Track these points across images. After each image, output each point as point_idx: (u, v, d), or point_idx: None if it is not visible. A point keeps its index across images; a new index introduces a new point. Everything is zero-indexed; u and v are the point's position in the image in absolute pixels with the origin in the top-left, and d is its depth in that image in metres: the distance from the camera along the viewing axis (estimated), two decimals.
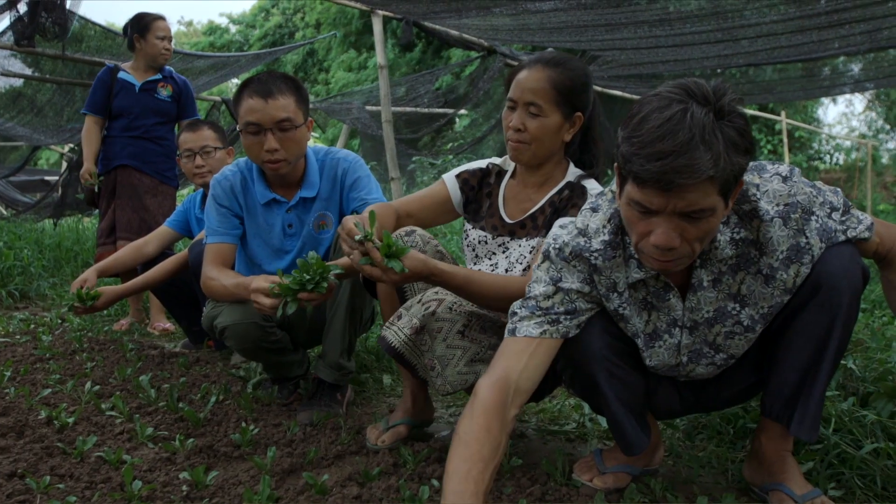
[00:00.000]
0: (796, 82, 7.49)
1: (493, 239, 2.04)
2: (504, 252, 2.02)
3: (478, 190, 2.12)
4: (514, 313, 1.62)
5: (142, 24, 4.09)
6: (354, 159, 2.53)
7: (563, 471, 1.86)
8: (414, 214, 2.10)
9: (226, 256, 2.43)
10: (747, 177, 1.48)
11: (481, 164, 2.14)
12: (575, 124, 1.96)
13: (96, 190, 4.21)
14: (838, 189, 1.56)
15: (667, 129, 1.26)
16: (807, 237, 1.48)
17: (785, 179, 1.49)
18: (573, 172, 2.00)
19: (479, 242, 2.07)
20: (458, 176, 2.13)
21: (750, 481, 1.75)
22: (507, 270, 1.98)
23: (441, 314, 1.91)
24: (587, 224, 1.60)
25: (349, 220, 1.73)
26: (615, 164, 1.43)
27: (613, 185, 1.55)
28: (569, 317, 1.61)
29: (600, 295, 1.62)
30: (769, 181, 1.49)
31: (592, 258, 1.57)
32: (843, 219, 1.53)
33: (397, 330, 1.95)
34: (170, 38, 4.13)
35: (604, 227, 1.58)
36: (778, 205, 1.47)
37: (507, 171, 2.11)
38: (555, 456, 1.93)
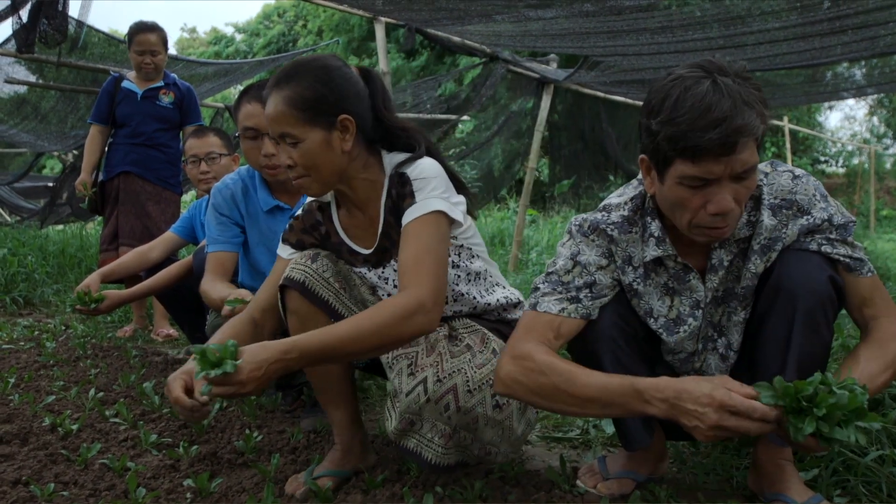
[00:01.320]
0: (798, 87, 7.49)
1: (370, 271, 1.83)
2: (387, 280, 1.83)
3: (314, 235, 1.89)
4: (537, 288, 1.66)
5: (128, 36, 4.13)
6: None
7: (567, 477, 1.86)
8: (271, 306, 1.83)
9: (226, 265, 2.45)
10: (761, 166, 1.57)
11: (298, 213, 1.92)
12: (347, 128, 1.69)
13: (86, 203, 4.23)
14: (854, 219, 1.58)
15: (710, 100, 1.35)
16: (788, 229, 1.54)
17: (795, 178, 1.55)
18: (389, 164, 1.76)
19: (361, 276, 1.84)
20: (285, 241, 1.91)
21: (754, 490, 1.75)
22: None
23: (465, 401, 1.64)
24: (610, 202, 1.68)
25: (175, 380, 1.52)
26: (641, 157, 1.51)
27: (640, 175, 1.62)
28: (589, 293, 1.63)
29: (617, 268, 1.65)
30: (779, 175, 1.57)
31: (609, 230, 1.63)
32: (835, 237, 1.54)
33: (431, 446, 1.67)
34: (153, 52, 4.08)
35: (625, 204, 1.65)
36: (776, 197, 1.55)
37: (329, 202, 1.88)
38: (559, 463, 1.93)
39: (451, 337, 1.75)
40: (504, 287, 1.96)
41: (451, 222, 1.69)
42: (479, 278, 1.86)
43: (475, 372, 1.64)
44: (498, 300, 1.89)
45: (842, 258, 1.53)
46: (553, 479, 1.83)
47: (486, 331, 1.79)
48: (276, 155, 2.29)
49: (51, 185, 13.42)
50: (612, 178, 8.83)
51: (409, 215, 1.66)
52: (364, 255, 1.82)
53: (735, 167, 1.38)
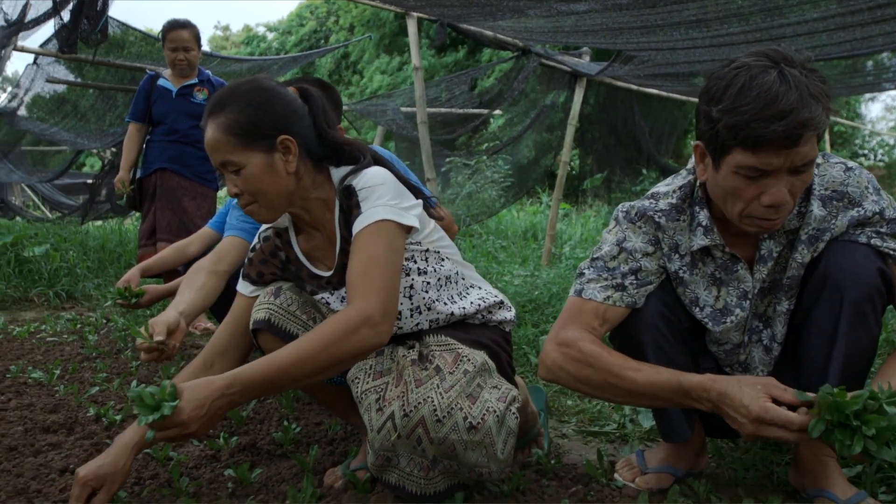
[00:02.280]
0: (839, 79, 7.34)
1: (332, 295, 1.77)
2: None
3: (274, 263, 1.84)
4: (582, 273, 1.66)
5: (162, 34, 4.19)
6: (389, 155, 2.54)
7: (605, 471, 1.85)
8: (227, 349, 1.81)
9: (232, 255, 2.47)
10: None
11: (254, 242, 1.87)
12: (289, 149, 1.65)
13: (123, 200, 4.31)
14: None
15: (776, 91, 1.33)
16: (837, 220, 1.52)
17: (847, 170, 1.53)
18: (337, 178, 1.72)
19: (325, 304, 1.78)
20: (245, 277, 1.85)
21: (796, 487, 1.72)
22: None
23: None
24: (658, 191, 1.67)
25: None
26: (696, 143, 1.50)
27: (690, 164, 1.60)
28: (634, 279, 1.62)
29: (664, 255, 1.64)
30: (832, 167, 1.55)
31: (656, 217, 1.62)
32: (886, 231, 1.51)
33: (412, 479, 1.59)
34: (186, 48, 4.11)
35: (673, 192, 1.64)
36: (827, 189, 1.53)
37: (286, 227, 1.83)
38: (596, 456, 1.92)
39: (421, 357, 1.64)
40: (480, 288, 1.84)
41: (405, 228, 1.62)
42: (451, 282, 1.76)
43: (442, 398, 1.52)
44: (473, 303, 1.77)
45: (892, 252, 1.50)
46: (590, 473, 1.83)
47: (462, 348, 1.66)
48: None
49: (90, 182, 13.70)
50: (644, 171, 8.73)
51: (356, 226, 1.60)
52: (325, 277, 1.76)
53: (795, 160, 1.37)
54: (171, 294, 3.25)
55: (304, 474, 1.82)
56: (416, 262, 1.69)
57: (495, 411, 1.55)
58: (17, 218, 10.06)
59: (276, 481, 1.81)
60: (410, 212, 1.64)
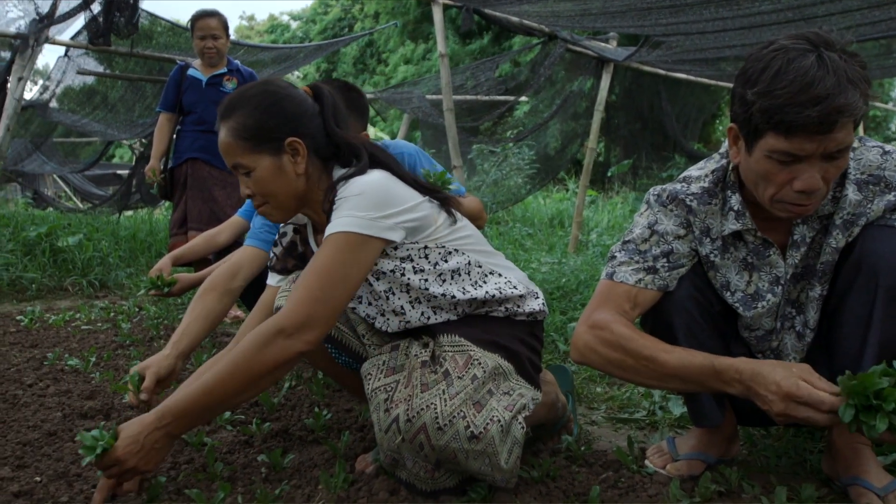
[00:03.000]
0: (872, 60, 7.18)
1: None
2: (360, 300, 1.76)
3: (293, 256, 1.87)
4: (613, 256, 1.66)
5: (190, 23, 4.23)
6: (415, 150, 2.54)
7: (636, 458, 1.85)
8: None
9: (252, 266, 2.43)
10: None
11: (277, 237, 1.92)
12: (297, 151, 1.67)
13: (154, 188, 4.36)
14: None
15: (813, 75, 1.31)
16: (873, 204, 1.49)
17: (884, 154, 1.51)
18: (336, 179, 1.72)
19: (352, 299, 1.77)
20: (271, 269, 1.91)
21: (829, 475, 1.71)
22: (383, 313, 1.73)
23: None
24: (690, 175, 1.66)
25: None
26: (730, 125, 1.49)
27: (723, 148, 1.58)
28: (666, 262, 1.62)
29: (695, 238, 1.63)
30: (868, 150, 1.52)
31: (688, 200, 1.61)
32: None
33: (419, 478, 1.62)
34: (214, 36, 4.15)
35: (705, 176, 1.63)
36: (863, 173, 1.51)
37: (304, 223, 1.86)
38: (626, 443, 1.92)
39: (433, 359, 1.63)
40: (500, 275, 1.76)
41: (377, 240, 1.57)
42: (460, 274, 1.70)
43: (446, 405, 1.51)
44: (488, 293, 1.70)
45: None
46: (621, 460, 1.83)
47: (474, 350, 1.63)
48: None
49: (119, 172, 13.89)
50: (674, 157, 8.63)
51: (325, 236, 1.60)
52: None
53: (829, 146, 1.35)
54: (202, 283, 3.31)
55: (335, 460, 1.84)
56: (412, 260, 1.66)
57: (500, 420, 1.53)
58: (50, 209, 10.24)
59: (308, 466, 1.84)
60: (393, 219, 1.59)
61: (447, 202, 1.75)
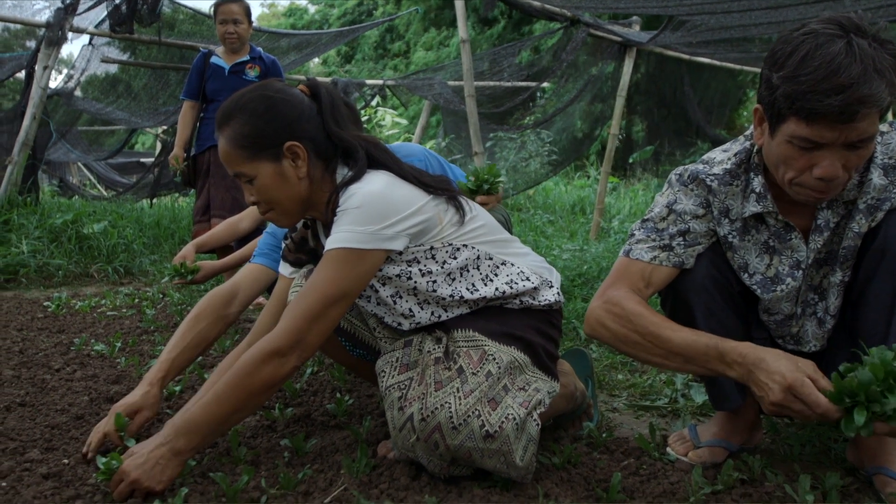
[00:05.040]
0: None
1: (364, 290, 1.73)
2: (368, 300, 1.75)
3: (305, 251, 1.87)
4: (632, 234, 1.67)
5: (213, 9, 4.25)
6: (423, 154, 2.49)
7: (657, 445, 1.84)
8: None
9: (251, 288, 2.36)
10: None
11: (289, 233, 1.92)
12: (297, 155, 1.64)
13: (177, 175, 4.39)
14: None
15: (839, 62, 1.29)
16: None
17: None
18: (338, 182, 1.69)
19: (361, 297, 1.74)
20: (285, 259, 1.92)
21: (853, 464, 1.69)
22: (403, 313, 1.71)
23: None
24: (713, 156, 1.65)
25: None
26: (755, 106, 1.48)
27: (749, 130, 1.58)
28: (682, 241, 1.62)
29: (714, 218, 1.62)
30: None
31: (708, 180, 1.61)
32: None
33: (436, 471, 1.62)
34: (235, 21, 4.16)
35: (728, 159, 1.62)
36: (890, 157, 1.49)
37: (312, 218, 1.85)
38: (647, 430, 1.91)
39: (446, 354, 1.62)
40: (512, 265, 1.73)
41: (377, 252, 1.56)
42: (468, 271, 1.68)
43: (460, 404, 1.50)
44: (498, 289, 1.68)
45: None
46: (642, 447, 1.82)
47: (489, 345, 1.62)
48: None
49: (143, 160, 14.03)
50: (699, 143, 8.54)
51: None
52: None
53: (850, 136, 1.33)
54: (225, 270, 3.34)
55: (357, 445, 1.85)
56: (419, 262, 1.64)
57: (515, 418, 1.52)
58: (76, 197, 10.37)
59: (330, 451, 1.85)
60: (394, 227, 1.56)
61: (455, 195, 1.72)
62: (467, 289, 1.67)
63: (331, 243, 1.56)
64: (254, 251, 2.47)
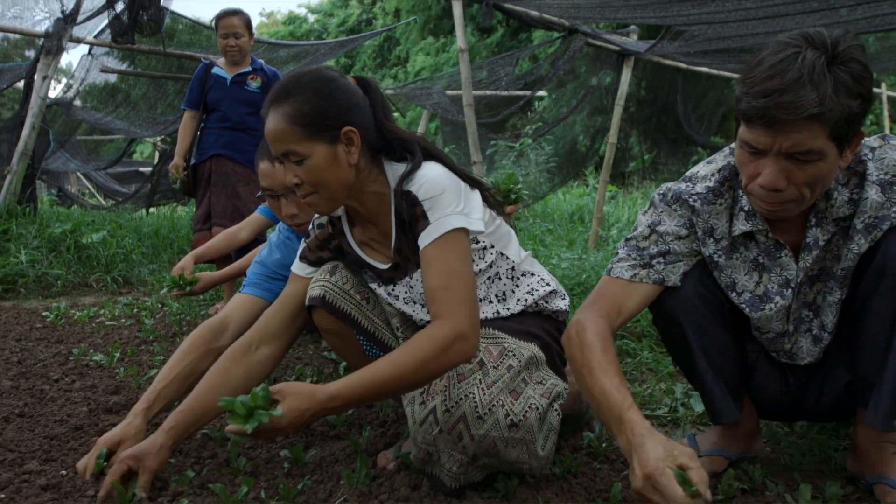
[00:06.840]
0: None
1: (380, 287, 1.79)
2: (397, 297, 1.79)
3: (329, 249, 1.87)
4: (616, 253, 1.67)
5: (214, 22, 4.30)
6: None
7: None
8: (278, 334, 1.85)
9: (242, 319, 2.23)
10: (869, 140, 1.48)
11: (309, 229, 1.91)
12: (352, 141, 1.63)
13: (177, 184, 4.41)
14: None
15: (778, 69, 1.30)
16: None
17: None
18: (393, 176, 1.70)
19: (389, 295, 1.79)
20: (303, 258, 1.89)
21: (854, 473, 1.69)
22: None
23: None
24: (696, 172, 1.65)
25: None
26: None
27: (733, 143, 1.60)
28: (662, 260, 1.62)
29: (698, 239, 1.62)
30: (892, 149, 1.47)
31: (691, 200, 1.60)
32: None
33: (450, 474, 1.61)
34: (236, 34, 4.19)
35: (711, 175, 1.61)
36: (887, 173, 1.45)
37: (339, 216, 1.84)
38: None
39: None
40: (532, 275, 1.83)
41: (472, 233, 1.62)
42: (499, 278, 1.78)
43: (484, 394, 1.51)
44: (520, 300, 1.78)
45: None
46: None
47: (508, 342, 1.67)
48: (298, 214, 2.22)
49: (142, 170, 14.04)
50: (699, 150, 8.56)
51: (425, 238, 1.58)
52: (380, 269, 1.76)
53: (783, 144, 1.33)
54: (224, 281, 3.34)
55: (357, 455, 1.85)
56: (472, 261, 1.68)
57: (538, 408, 1.54)
58: (75, 206, 10.37)
59: (329, 462, 1.85)
60: (474, 213, 1.62)
61: (489, 198, 1.77)
62: (497, 295, 1.76)
63: (443, 226, 1.57)
64: (244, 282, 2.43)
